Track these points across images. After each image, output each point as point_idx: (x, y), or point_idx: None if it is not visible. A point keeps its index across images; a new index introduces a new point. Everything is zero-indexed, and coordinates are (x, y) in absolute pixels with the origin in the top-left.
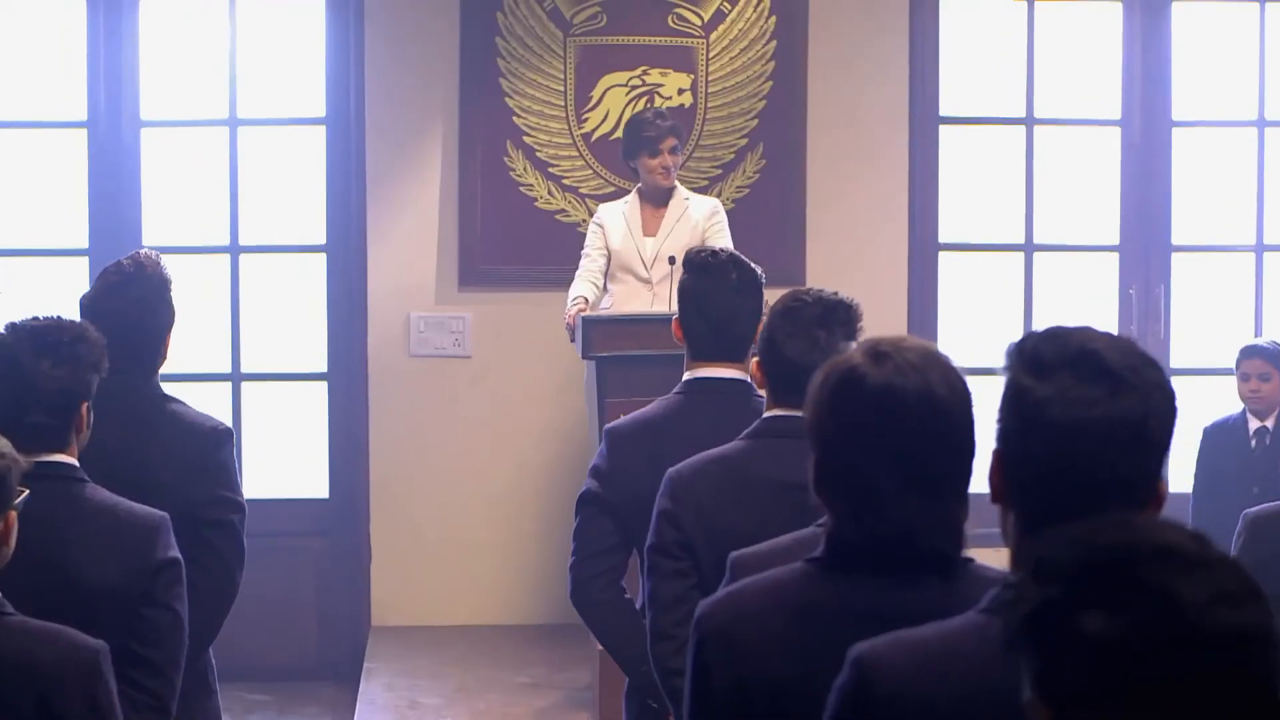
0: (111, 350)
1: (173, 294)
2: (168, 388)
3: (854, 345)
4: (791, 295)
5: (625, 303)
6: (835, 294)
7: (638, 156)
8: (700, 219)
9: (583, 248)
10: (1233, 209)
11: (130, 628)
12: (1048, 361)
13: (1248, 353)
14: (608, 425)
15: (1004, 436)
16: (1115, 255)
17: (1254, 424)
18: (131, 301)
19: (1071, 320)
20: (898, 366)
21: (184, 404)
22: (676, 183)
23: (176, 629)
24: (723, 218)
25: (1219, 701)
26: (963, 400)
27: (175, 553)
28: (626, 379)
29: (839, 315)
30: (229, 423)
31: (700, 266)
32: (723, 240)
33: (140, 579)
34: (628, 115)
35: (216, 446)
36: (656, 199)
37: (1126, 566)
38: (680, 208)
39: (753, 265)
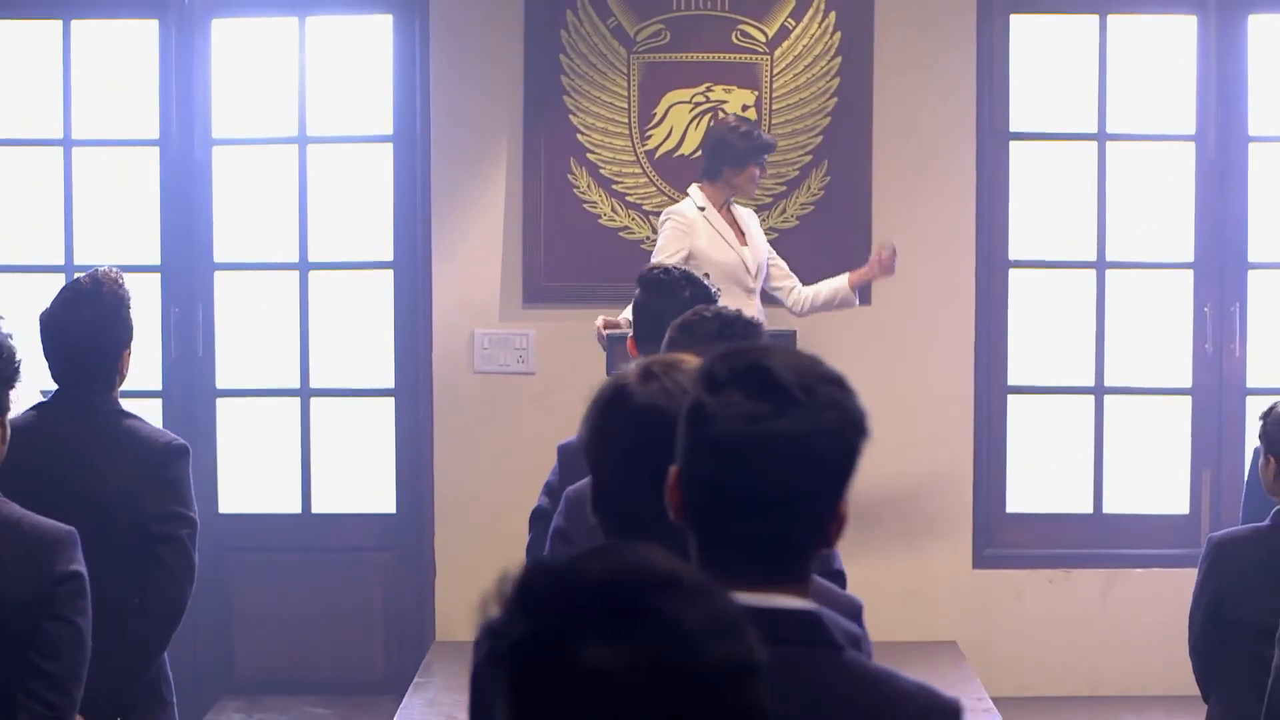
0: (68, 366)
1: (130, 311)
2: (240, 402)
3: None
4: (693, 310)
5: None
6: (737, 311)
7: (746, 164)
8: (757, 229)
9: (658, 256)
10: None
11: (30, 640)
12: (720, 378)
13: None
14: (560, 442)
15: (680, 454)
16: (1190, 273)
17: None
18: (87, 319)
19: (1146, 338)
20: (664, 388)
21: (141, 419)
22: None
23: (77, 643)
24: None
25: None
26: None
27: (79, 567)
28: None
29: (737, 330)
30: (300, 437)
31: (654, 284)
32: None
33: (40, 591)
34: (692, 132)
35: (170, 462)
36: (723, 208)
37: (627, 594)
38: (742, 216)
39: (705, 282)
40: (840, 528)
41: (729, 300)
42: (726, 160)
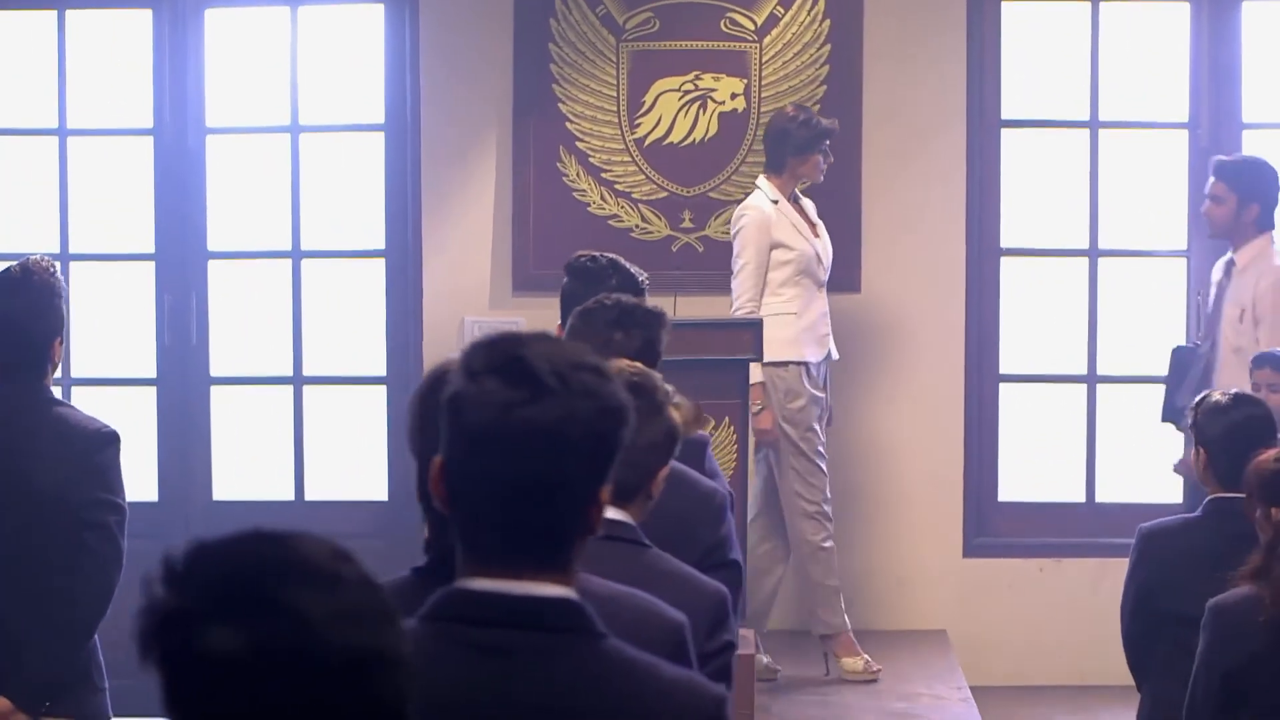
0: None
1: (62, 301)
2: (233, 389)
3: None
4: (594, 299)
5: (808, 307)
6: (637, 300)
7: (809, 152)
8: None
9: (741, 258)
10: None
11: None
12: (476, 367)
13: (1259, 362)
14: None
15: (442, 443)
16: (1182, 261)
17: None
18: (17, 308)
19: (1138, 327)
20: None
21: (71, 407)
22: None
23: None
24: None
25: None
26: None
27: None
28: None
29: (636, 318)
30: (293, 425)
31: (581, 271)
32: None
33: None
34: (681, 120)
35: (98, 449)
36: (792, 200)
37: (255, 580)
38: (810, 209)
39: (632, 270)
40: (600, 511)
41: (803, 294)
42: (789, 150)
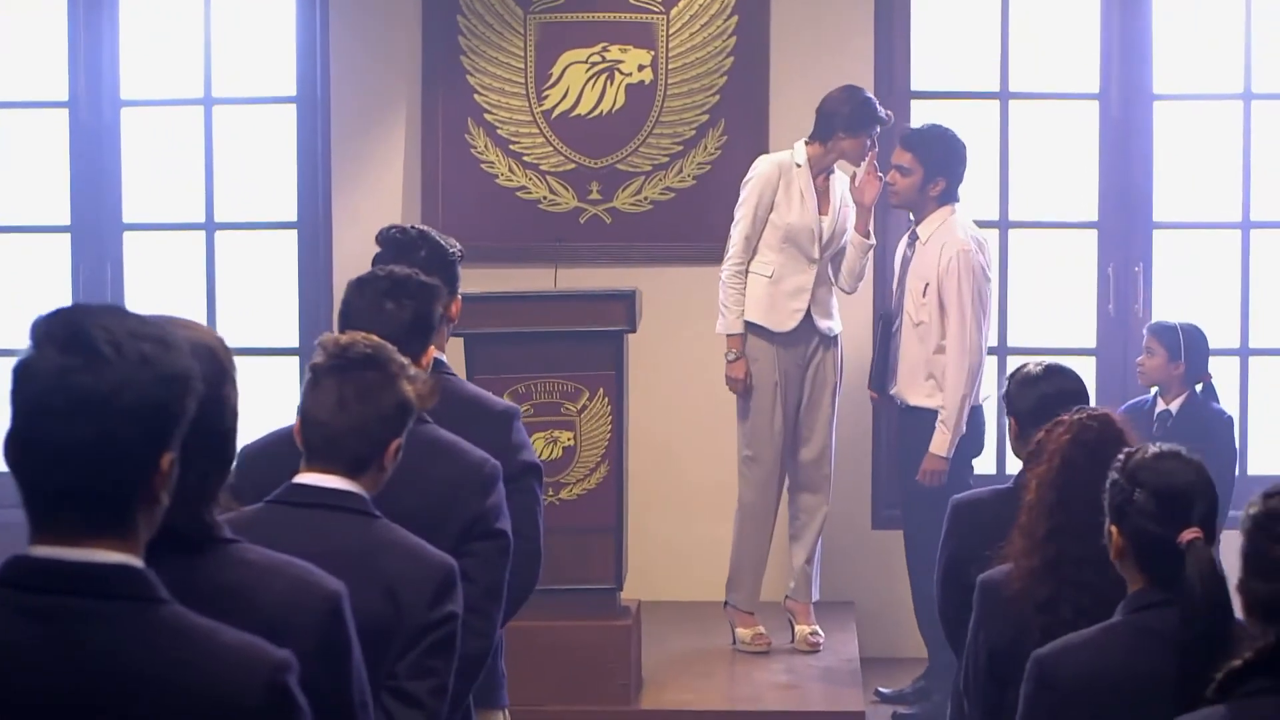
0: None
1: None
2: None
3: None
4: (370, 270)
5: (788, 276)
6: (410, 272)
7: (860, 131)
8: (846, 205)
9: (741, 209)
10: (1217, 185)
11: None
12: (39, 337)
13: (1149, 330)
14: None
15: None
16: (1094, 232)
17: (1160, 406)
18: None
19: (1049, 299)
20: None
21: None
22: None
23: None
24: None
25: None
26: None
27: None
28: (495, 356)
29: (408, 289)
30: None
31: (390, 242)
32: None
33: None
34: (588, 92)
35: None
36: (822, 173)
37: None
38: (836, 189)
39: (444, 242)
40: (165, 482)
41: (787, 262)
42: (839, 125)
